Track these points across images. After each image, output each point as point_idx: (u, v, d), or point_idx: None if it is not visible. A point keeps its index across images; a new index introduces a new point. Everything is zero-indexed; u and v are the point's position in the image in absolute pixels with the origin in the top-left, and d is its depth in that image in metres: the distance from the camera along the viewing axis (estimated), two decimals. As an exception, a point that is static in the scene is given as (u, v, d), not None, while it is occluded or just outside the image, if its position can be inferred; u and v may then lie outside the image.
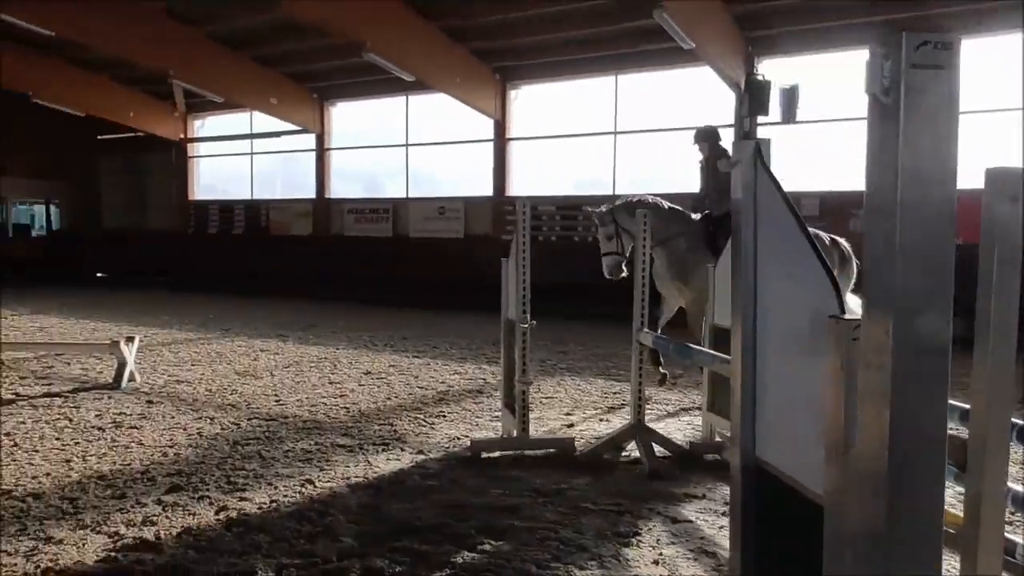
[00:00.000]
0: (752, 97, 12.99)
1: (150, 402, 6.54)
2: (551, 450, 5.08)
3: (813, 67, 13.03)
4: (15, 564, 3.35)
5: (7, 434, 5.44)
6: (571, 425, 5.97)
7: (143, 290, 18.94)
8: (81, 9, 14.64)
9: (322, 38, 15.76)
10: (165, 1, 15.45)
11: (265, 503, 4.12)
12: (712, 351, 4.24)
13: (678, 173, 14.66)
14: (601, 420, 6.16)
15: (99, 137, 23.67)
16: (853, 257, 7.18)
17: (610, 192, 15.36)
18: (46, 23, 15.09)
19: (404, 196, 18.30)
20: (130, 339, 7.43)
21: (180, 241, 21.97)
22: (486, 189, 16.77)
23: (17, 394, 6.77)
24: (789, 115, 12.63)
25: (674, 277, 7.09)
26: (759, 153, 2.08)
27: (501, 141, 16.52)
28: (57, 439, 5.34)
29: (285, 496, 4.24)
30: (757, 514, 2.09)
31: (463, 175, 17.56)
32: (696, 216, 7.32)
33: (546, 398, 6.85)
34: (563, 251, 14.92)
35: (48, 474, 4.58)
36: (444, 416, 6.18)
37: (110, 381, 7.24)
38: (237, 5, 14.90)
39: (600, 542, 3.63)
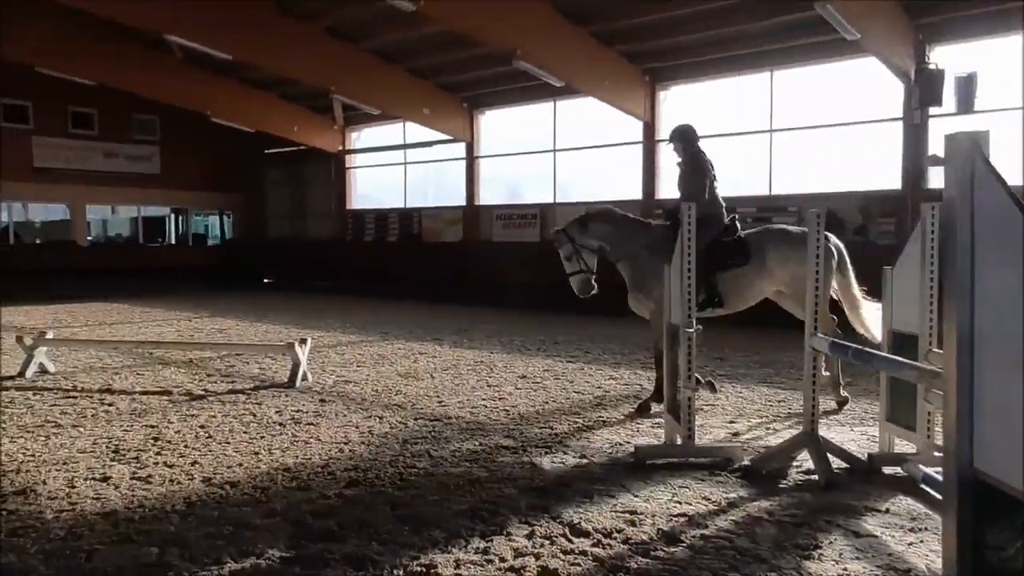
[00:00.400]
0: (924, 88, 12.20)
1: (323, 401, 6.93)
2: (718, 459, 4.97)
3: (991, 52, 12.08)
4: (218, 546, 3.64)
5: (201, 426, 5.93)
6: (736, 434, 5.81)
7: (305, 295, 20.09)
8: (251, 33, 15.75)
9: (473, 48, 16.20)
10: (326, 21, 16.36)
11: (437, 500, 4.28)
12: (897, 357, 4.01)
13: (840, 171, 13.99)
14: (767, 429, 5.96)
15: (266, 151, 25.41)
16: None
17: (766, 192, 14.86)
18: (224, 47, 16.31)
19: (551, 201, 18.47)
20: (303, 341, 7.91)
21: (338, 248, 23.19)
22: (634, 192, 16.64)
23: (206, 390, 7.36)
24: (966, 105, 11.80)
25: (635, 288, 6.76)
26: (977, 147, 1.96)
27: (650, 143, 16.35)
28: (244, 432, 5.77)
29: (456, 494, 4.37)
30: (974, 530, 1.96)
31: (611, 179, 17.51)
32: (654, 223, 6.98)
33: (707, 405, 6.71)
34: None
35: (240, 464, 4.95)
36: (604, 421, 6.18)
37: (285, 380, 7.73)
38: (393, 21, 15.54)
39: (779, 554, 3.52)
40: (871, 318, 6.41)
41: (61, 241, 24.88)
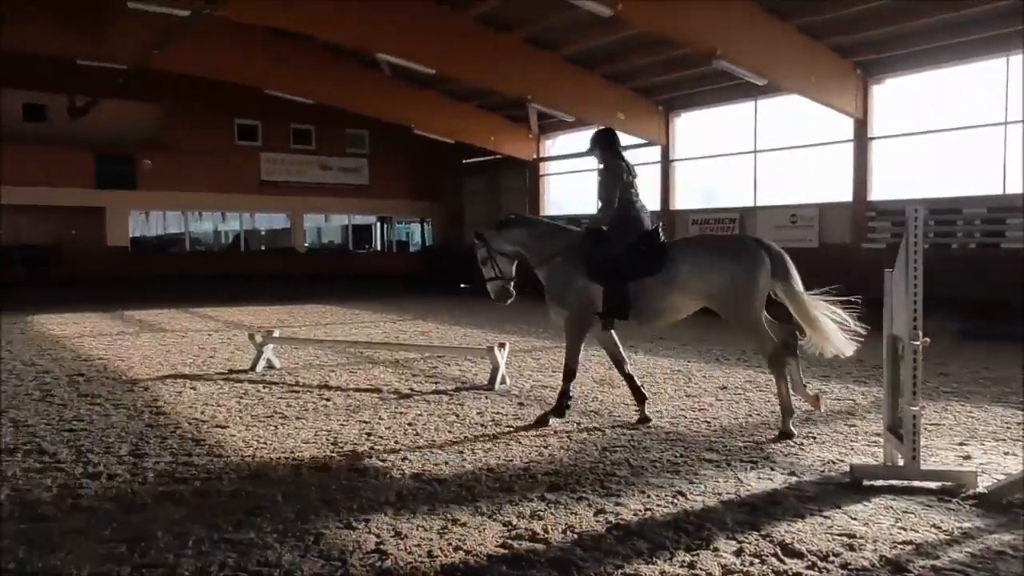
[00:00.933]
0: None
1: (521, 404, 7.10)
2: (947, 484, 4.57)
3: None
4: (430, 539, 3.83)
5: (409, 424, 6.27)
6: (967, 457, 5.31)
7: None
8: (454, 47, 16.47)
9: (670, 50, 15.99)
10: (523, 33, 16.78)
11: (640, 510, 4.24)
12: None
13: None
14: (1006, 454, 5.39)
15: (464, 161, 26.48)
16: None
17: (999, 191, 13.51)
18: (428, 62, 17.19)
19: (751, 204, 17.83)
20: (501, 345, 8.15)
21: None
22: (844, 194, 15.69)
23: (413, 390, 7.77)
24: None
25: (550, 296, 6.40)
26: None
27: (862, 141, 15.35)
28: (449, 432, 6.02)
29: (658, 505, 4.32)
30: None
31: (817, 180, 16.62)
32: (577, 230, 6.53)
33: (932, 425, 6.18)
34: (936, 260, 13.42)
35: (446, 463, 5.17)
36: (814, 437, 5.87)
37: (485, 383, 7.99)
38: (589, 27, 15.67)
39: (1027, 596, 3.17)
40: (833, 335, 5.69)
41: (282, 248, 27.32)
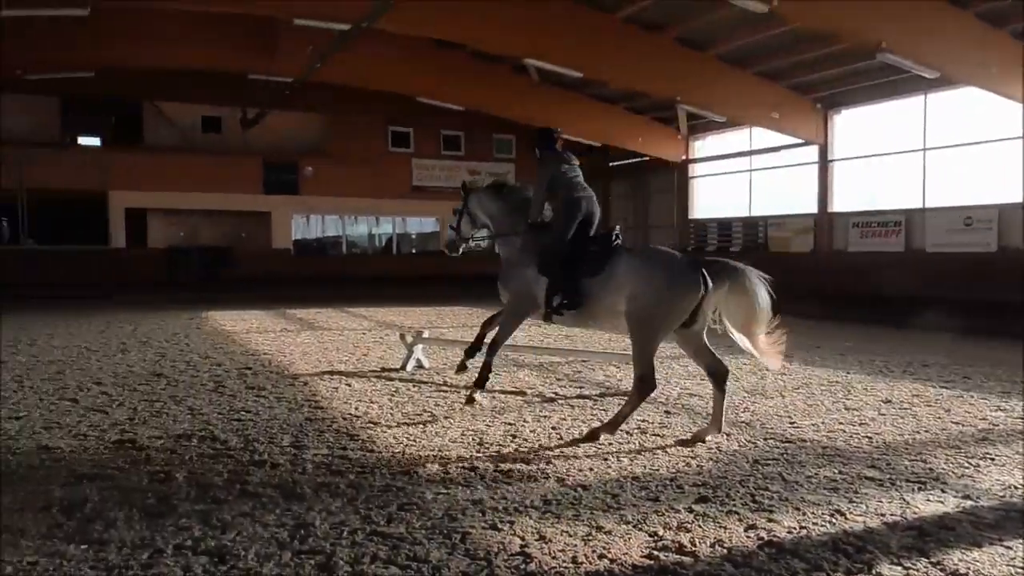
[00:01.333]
0: None
1: (668, 412, 6.97)
2: None
3: None
4: (575, 545, 3.82)
5: (553, 428, 6.29)
6: None
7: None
8: (602, 50, 16.43)
9: (829, 45, 15.27)
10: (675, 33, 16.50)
11: (794, 528, 4.06)
12: None
13: None
14: None
15: (610, 164, 26.35)
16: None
17: None
18: (576, 66, 17.24)
19: (919, 206, 16.70)
20: (648, 350, 8.01)
21: (679, 258, 23.26)
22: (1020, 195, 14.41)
23: (557, 394, 7.79)
24: None
25: (501, 276, 6.59)
26: None
27: (1050, 136, 14.05)
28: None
29: (815, 524, 4.11)
30: None
31: (994, 179, 15.35)
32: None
33: None
34: None
35: (591, 469, 5.15)
36: (991, 459, 5.41)
37: (630, 389, 7.89)
38: (743, 24, 15.22)
39: None
40: (768, 349, 5.64)
41: (431, 251, 28.17)
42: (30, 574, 3.50)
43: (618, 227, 6.35)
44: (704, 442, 5.78)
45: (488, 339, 6.83)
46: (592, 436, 5.85)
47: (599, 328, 6.39)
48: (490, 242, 6.98)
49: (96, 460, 5.27)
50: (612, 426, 5.94)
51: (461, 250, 7.08)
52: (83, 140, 23.35)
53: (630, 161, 25.38)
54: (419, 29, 16.19)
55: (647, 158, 23.92)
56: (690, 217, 23.36)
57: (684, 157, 23.22)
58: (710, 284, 5.61)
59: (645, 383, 5.75)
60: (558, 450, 5.61)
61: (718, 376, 5.93)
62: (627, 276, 5.82)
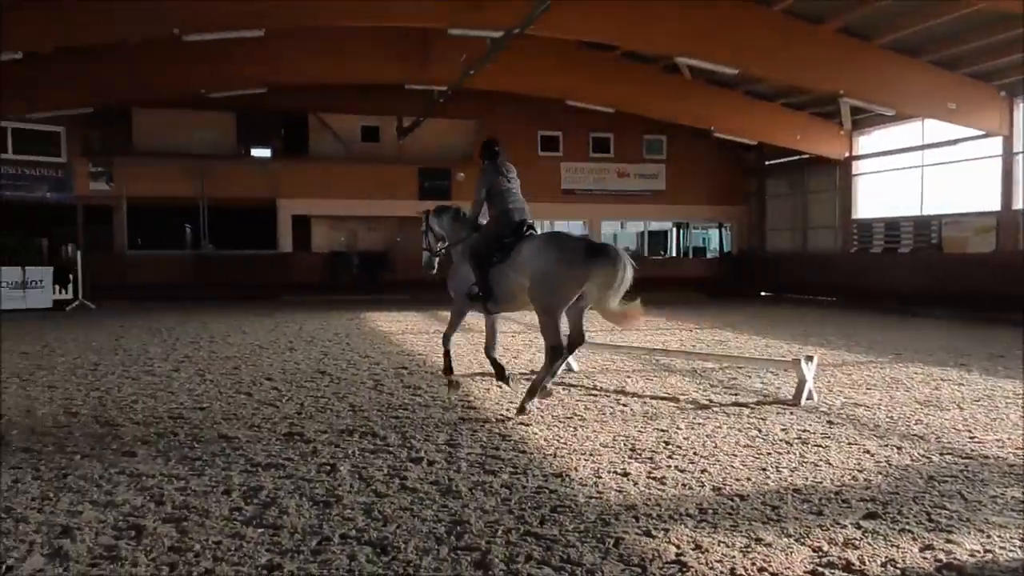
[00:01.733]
0: None
1: (831, 422, 6.63)
2: None
3: None
4: (733, 556, 3.71)
5: (708, 436, 6.14)
6: None
7: (804, 309, 19.59)
8: (759, 45, 15.88)
9: (1015, 26, 14.07)
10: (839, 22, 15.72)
11: (978, 551, 3.76)
12: None
13: None
14: None
15: (767, 163, 25.45)
16: None
17: None
18: (732, 62, 16.78)
19: (1124, 202, 15.07)
20: (809, 358, 7.68)
21: (842, 260, 22.12)
22: None
23: (711, 400, 7.61)
24: None
25: (447, 277, 7.65)
26: None
27: None
28: (750, 447, 5.80)
29: (1002, 548, 3.80)
30: None
31: None
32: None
33: None
34: None
35: (748, 479, 4.99)
36: None
37: (789, 397, 7.59)
38: (915, 10, 14.30)
39: None
40: (619, 318, 6.43)
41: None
42: (214, 552, 3.79)
43: (528, 219, 7.11)
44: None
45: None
46: (521, 410, 6.75)
47: (520, 309, 7.21)
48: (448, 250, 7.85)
49: (269, 450, 5.65)
50: (531, 393, 6.77)
51: (436, 264, 8.07)
52: (255, 152, 25.06)
53: (788, 159, 24.39)
54: (571, 32, 16.26)
55: (806, 156, 22.89)
56: (853, 217, 22.14)
57: (847, 154, 22.04)
58: (591, 261, 6.28)
59: (555, 351, 6.56)
60: (713, 458, 5.47)
61: (570, 344, 6.81)
62: (526, 258, 6.63)
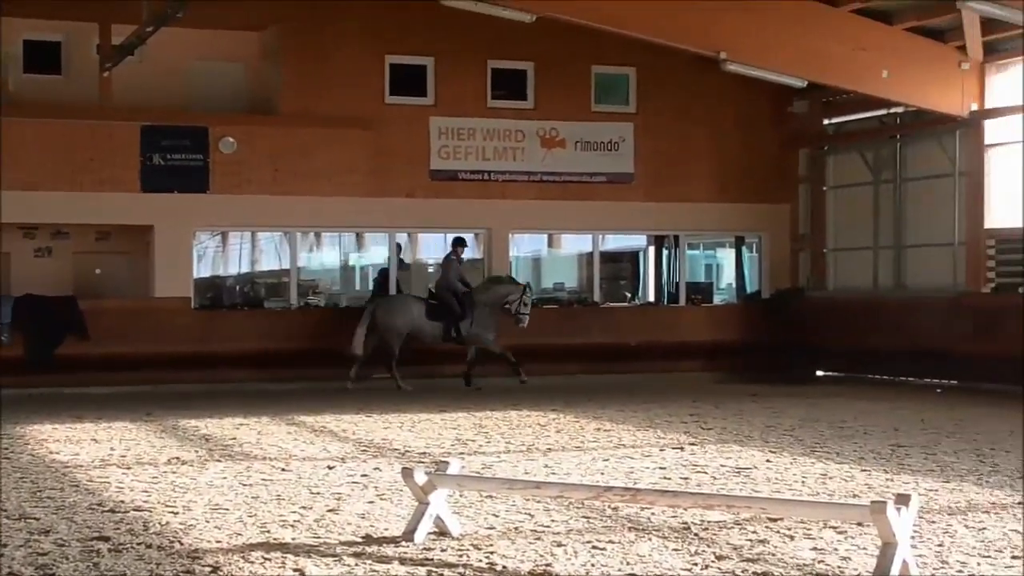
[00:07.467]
0: None
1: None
2: None
3: None
4: None
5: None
6: None
7: (898, 401, 20.22)
8: None
9: None
10: None
11: None
12: None
13: None
14: None
15: (828, 123, 26.40)
16: None
17: None
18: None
19: None
20: (903, 499, 7.76)
21: (966, 306, 22.84)
22: None
23: None
24: None
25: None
26: None
27: None
28: None
29: None
30: None
31: None
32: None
33: None
34: None
35: None
36: None
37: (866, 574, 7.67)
38: None
39: None
40: None
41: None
42: None
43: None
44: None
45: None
46: None
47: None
48: None
49: None
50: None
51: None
52: None
53: (866, 116, 25.19)
54: None
55: (900, 109, 23.69)
56: (988, 226, 22.82)
57: (976, 106, 22.81)
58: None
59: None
60: None
61: None
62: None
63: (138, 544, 8.92)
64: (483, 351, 25.55)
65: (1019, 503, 10.53)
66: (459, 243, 25.66)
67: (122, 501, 10.79)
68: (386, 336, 25.09)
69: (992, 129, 22.83)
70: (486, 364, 25.89)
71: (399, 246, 28.30)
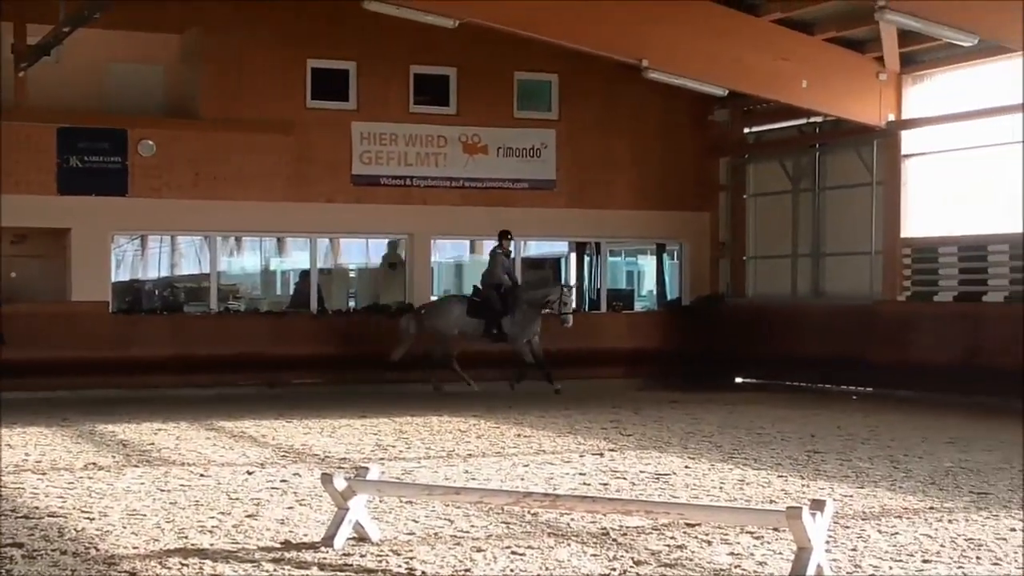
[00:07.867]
0: None
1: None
2: None
3: None
4: None
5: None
6: None
7: (817, 407, 20.45)
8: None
9: None
10: None
11: None
12: None
13: None
14: None
15: (748, 131, 26.63)
16: None
17: None
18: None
19: None
20: (818, 505, 7.88)
21: (884, 315, 23.16)
22: None
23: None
24: None
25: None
26: None
27: None
28: None
29: None
30: None
31: None
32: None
33: None
34: None
35: None
36: None
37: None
38: None
39: None
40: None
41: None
42: None
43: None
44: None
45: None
46: None
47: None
48: None
49: None
50: None
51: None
52: None
53: (785, 125, 25.43)
54: None
55: (819, 119, 23.93)
56: (904, 235, 23.12)
57: (892, 116, 23.12)
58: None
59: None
60: None
61: None
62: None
63: (53, 551, 8.84)
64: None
65: (930, 508, 10.71)
66: (505, 236, 25.19)
67: (37, 507, 10.67)
68: (437, 340, 25.16)
69: (909, 139, 23.16)
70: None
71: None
